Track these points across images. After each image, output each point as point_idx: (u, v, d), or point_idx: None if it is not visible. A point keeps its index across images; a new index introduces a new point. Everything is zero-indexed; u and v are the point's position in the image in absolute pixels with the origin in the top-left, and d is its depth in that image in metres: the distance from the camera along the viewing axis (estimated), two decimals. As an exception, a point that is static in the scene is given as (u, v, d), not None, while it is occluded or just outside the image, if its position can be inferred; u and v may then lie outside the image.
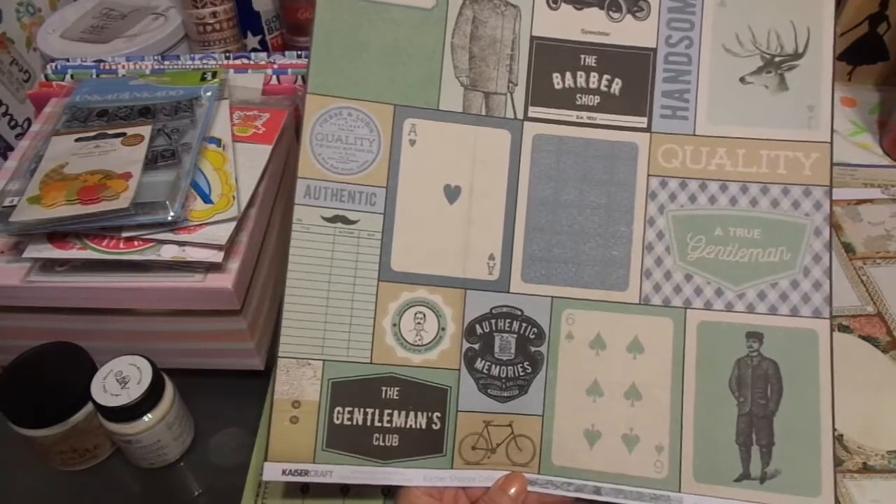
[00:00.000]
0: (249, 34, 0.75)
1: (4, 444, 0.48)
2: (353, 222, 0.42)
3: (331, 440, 0.40)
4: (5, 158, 0.57)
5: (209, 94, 0.54)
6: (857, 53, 0.76)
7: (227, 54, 0.63)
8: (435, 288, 0.42)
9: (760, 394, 0.40)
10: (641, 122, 0.43)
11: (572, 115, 0.43)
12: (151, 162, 0.48)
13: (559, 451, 0.41)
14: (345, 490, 0.47)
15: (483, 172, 0.42)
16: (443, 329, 0.42)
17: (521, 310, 0.42)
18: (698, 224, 0.42)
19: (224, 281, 0.45)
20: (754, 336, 0.40)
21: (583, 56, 0.43)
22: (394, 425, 0.41)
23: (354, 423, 0.40)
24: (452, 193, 0.42)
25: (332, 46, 0.42)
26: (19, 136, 0.69)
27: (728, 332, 0.41)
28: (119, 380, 0.44)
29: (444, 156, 0.42)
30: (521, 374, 0.41)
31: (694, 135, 0.43)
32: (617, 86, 0.43)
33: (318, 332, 0.41)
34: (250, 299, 0.49)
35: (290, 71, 0.61)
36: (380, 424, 0.41)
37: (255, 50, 0.76)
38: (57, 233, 0.45)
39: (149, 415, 0.44)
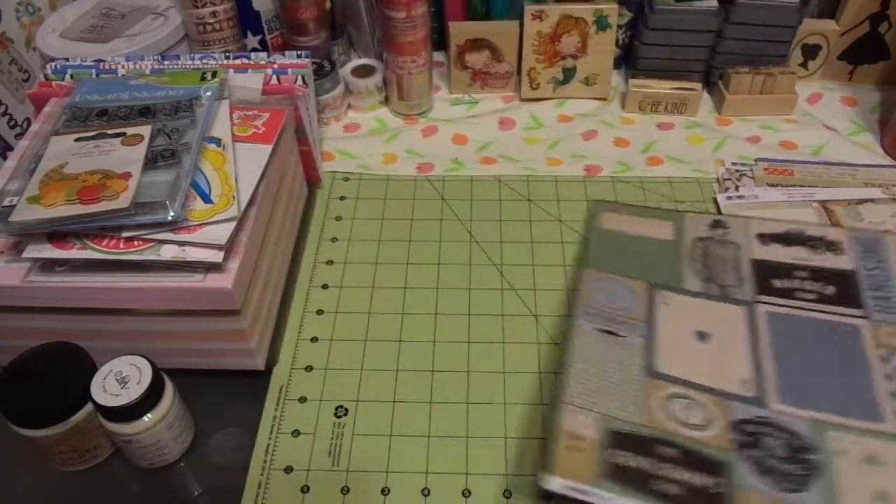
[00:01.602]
0: (249, 34, 0.75)
1: (4, 444, 0.48)
2: (621, 337, 0.51)
3: (611, 475, 0.43)
4: (5, 158, 0.57)
5: (209, 93, 0.54)
6: (857, 53, 0.76)
7: (227, 54, 0.63)
8: (698, 391, 0.48)
9: None
10: (858, 313, 0.52)
11: (795, 303, 0.53)
12: (151, 162, 0.48)
13: None
14: (345, 490, 0.47)
15: (727, 328, 0.52)
16: (710, 419, 0.46)
17: (784, 423, 0.46)
18: None
19: (224, 281, 0.45)
20: None
21: (795, 271, 0.55)
22: (673, 477, 0.43)
23: (633, 465, 0.44)
24: (702, 336, 0.52)
25: (603, 251, 0.58)
26: (19, 136, 0.68)
27: None
28: (119, 380, 0.44)
29: (692, 313, 0.53)
30: (799, 473, 0.43)
31: None
32: (830, 290, 0.54)
33: (596, 394, 0.47)
34: (250, 299, 0.49)
35: (290, 71, 0.61)
36: (659, 474, 0.43)
37: (255, 50, 0.76)
38: (57, 233, 0.45)
39: (149, 415, 0.44)
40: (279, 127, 0.54)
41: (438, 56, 0.82)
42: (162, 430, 0.45)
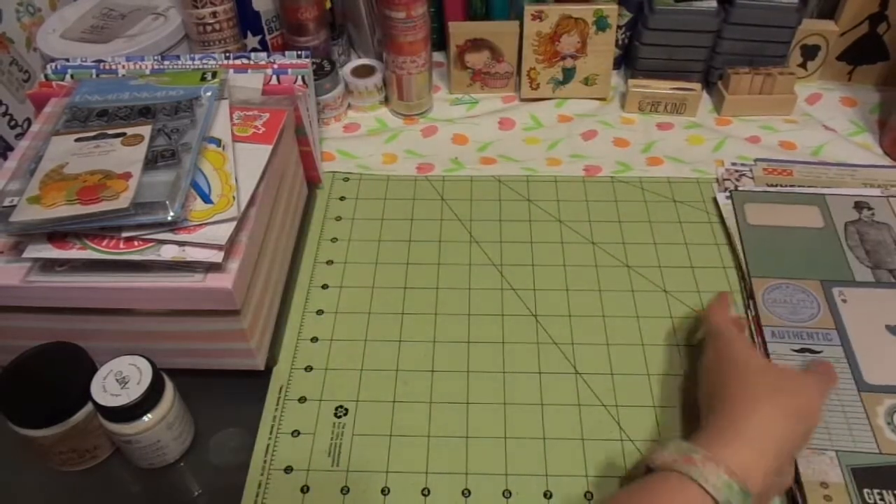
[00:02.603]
0: (249, 34, 0.75)
1: (4, 444, 0.48)
2: (818, 352, 0.51)
3: None
4: (5, 158, 0.57)
5: (209, 94, 0.54)
6: (857, 53, 0.76)
7: (227, 54, 0.63)
8: None
9: None
10: None
11: None
12: (151, 162, 0.48)
13: None
14: (345, 490, 0.47)
15: None
16: None
17: None
18: None
19: (224, 281, 0.45)
20: None
21: None
22: None
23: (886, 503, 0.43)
24: (895, 330, 0.52)
25: (760, 252, 0.58)
26: (19, 136, 0.68)
27: None
28: (119, 380, 0.44)
29: (876, 307, 0.53)
30: None
31: None
32: None
33: (824, 430, 0.47)
34: (250, 299, 0.49)
35: (290, 71, 0.61)
36: None
37: (255, 50, 0.76)
38: (57, 233, 0.45)
39: (149, 415, 0.44)
40: (279, 127, 0.54)
41: (438, 56, 0.82)
42: (162, 430, 0.45)
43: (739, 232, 0.59)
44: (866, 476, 0.44)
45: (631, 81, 0.75)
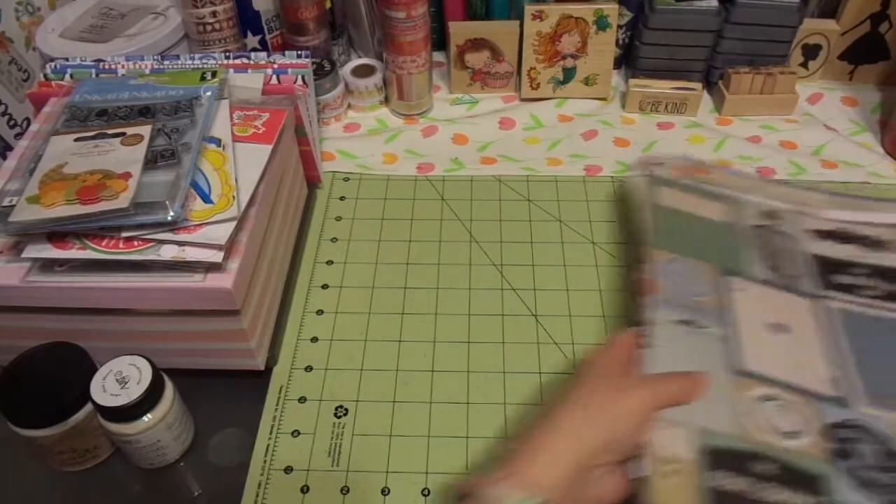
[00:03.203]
0: (249, 34, 0.75)
1: (4, 444, 0.48)
2: (702, 327, 0.48)
3: (711, 499, 0.40)
4: (4, 158, 0.57)
5: (209, 93, 0.54)
6: (858, 53, 0.76)
7: (227, 54, 0.63)
8: (787, 391, 0.45)
9: None
10: None
11: (861, 300, 0.51)
12: (151, 162, 0.48)
13: None
14: (345, 490, 0.47)
15: (800, 320, 0.49)
16: (803, 424, 0.43)
17: (874, 428, 0.43)
18: None
19: (224, 281, 0.45)
20: None
21: (852, 268, 0.53)
22: (774, 500, 0.40)
23: (734, 489, 0.40)
24: (778, 328, 0.49)
25: (666, 228, 0.55)
26: (18, 136, 0.68)
27: None
28: (119, 380, 0.44)
29: (764, 304, 0.50)
30: (893, 482, 0.41)
31: None
32: (893, 287, 0.51)
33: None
34: (250, 299, 0.49)
35: (290, 71, 0.61)
36: (759, 496, 0.40)
37: (255, 50, 0.76)
38: (56, 233, 0.45)
39: (149, 415, 0.44)
40: (279, 127, 0.54)
41: (438, 56, 0.82)
42: (162, 430, 0.45)
43: (651, 208, 0.57)
44: (720, 458, 0.41)
45: (631, 81, 0.75)
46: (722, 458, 0.41)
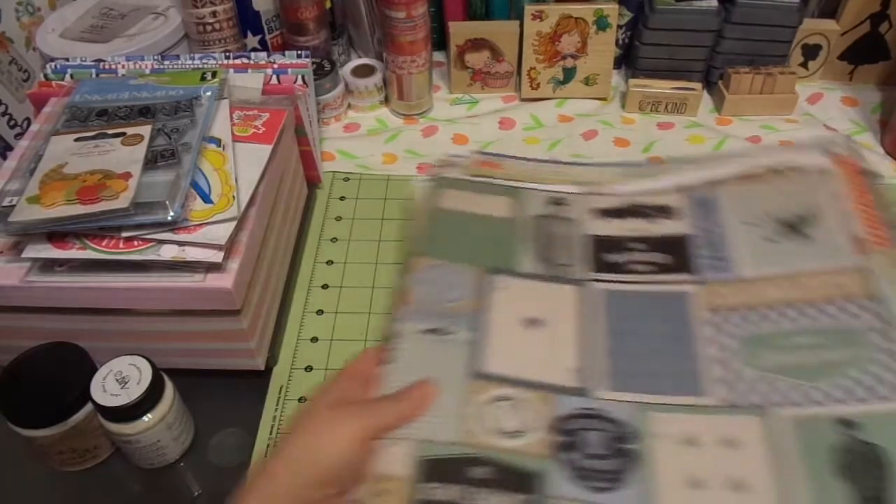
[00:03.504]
0: (249, 34, 0.75)
1: (4, 444, 0.48)
2: (448, 334, 0.47)
3: None
4: (4, 158, 0.57)
5: (209, 93, 0.54)
6: (858, 53, 0.76)
7: (227, 54, 0.63)
8: (523, 389, 0.44)
9: (870, 477, 0.39)
10: (690, 277, 0.50)
11: (628, 277, 0.51)
12: (151, 162, 0.48)
13: None
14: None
15: (558, 311, 0.49)
16: (531, 422, 0.43)
17: (606, 412, 0.43)
18: (762, 340, 0.46)
19: (224, 281, 0.45)
20: (846, 424, 0.41)
21: (630, 243, 0.53)
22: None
23: (443, 499, 0.39)
24: (533, 323, 0.48)
25: (439, 234, 0.54)
26: (19, 136, 0.68)
27: (818, 423, 0.42)
28: (119, 380, 0.44)
29: (524, 298, 0.49)
30: (615, 467, 0.41)
31: (739, 279, 0.49)
32: (664, 258, 0.51)
33: None
34: (250, 299, 0.49)
35: (290, 71, 0.61)
36: (469, 501, 0.39)
37: (255, 50, 0.76)
38: (56, 233, 0.45)
39: (149, 415, 0.44)
40: (279, 127, 0.54)
41: (438, 56, 0.82)
42: (162, 430, 0.45)
43: (427, 214, 0.55)
44: (433, 468, 0.40)
45: (631, 81, 0.75)
46: (437, 467, 0.40)
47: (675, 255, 0.51)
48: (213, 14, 0.70)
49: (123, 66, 0.60)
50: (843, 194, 0.52)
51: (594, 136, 0.73)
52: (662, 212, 0.54)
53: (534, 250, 0.53)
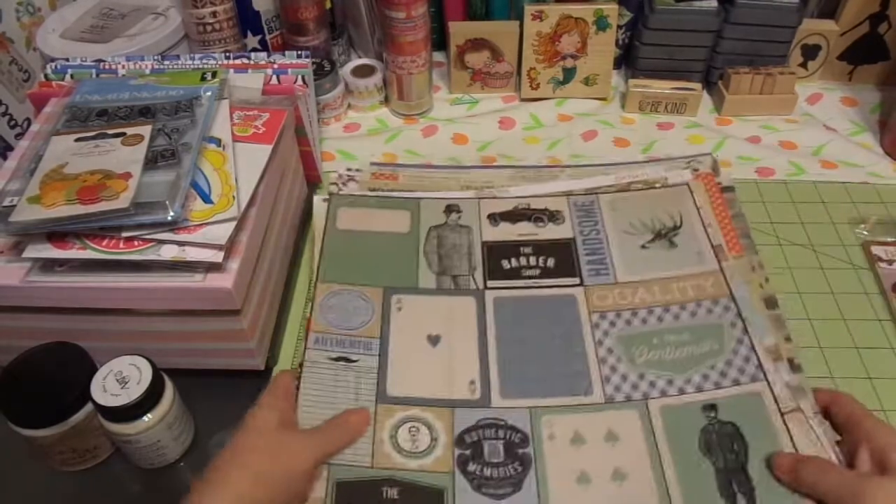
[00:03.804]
0: (249, 34, 0.75)
1: (4, 444, 0.48)
2: (354, 361, 0.50)
3: None
4: (5, 158, 0.57)
5: (209, 93, 0.54)
6: (857, 53, 0.76)
7: (227, 54, 0.63)
8: (426, 407, 0.48)
9: (729, 450, 0.45)
10: (575, 280, 0.55)
11: (521, 283, 0.55)
12: (151, 162, 0.48)
13: None
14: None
15: (457, 324, 0.52)
16: (435, 439, 0.46)
17: (504, 420, 0.47)
18: (638, 339, 0.51)
19: (224, 281, 0.45)
20: (709, 408, 0.47)
21: (521, 248, 0.57)
22: None
23: None
24: (434, 340, 0.51)
25: (337, 257, 0.56)
26: (19, 136, 0.68)
27: (686, 410, 0.47)
28: (119, 380, 0.44)
29: (425, 316, 0.53)
30: (513, 473, 0.45)
31: (616, 283, 0.54)
32: (551, 262, 0.56)
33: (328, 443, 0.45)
34: (250, 299, 0.49)
35: (290, 71, 0.61)
36: None
37: (255, 50, 0.76)
38: (56, 233, 0.45)
39: (149, 415, 0.44)
40: (279, 127, 0.54)
41: (438, 56, 0.82)
42: (162, 430, 0.45)
43: (324, 236, 0.57)
44: (349, 491, 0.44)
45: (631, 81, 0.75)
46: (351, 490, 0.44)
47: (561, 258, 0.56)
48: (213, 14, 0.70)
49: (123, 67, 0.60)
50: (704, 207, 0.59)
51: (594, 136, 0.73)
52: (549, 216, 0.59)
53: (432, 263, 0.56)
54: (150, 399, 0.44)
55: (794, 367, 0.49)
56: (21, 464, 0.48)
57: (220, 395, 0.52)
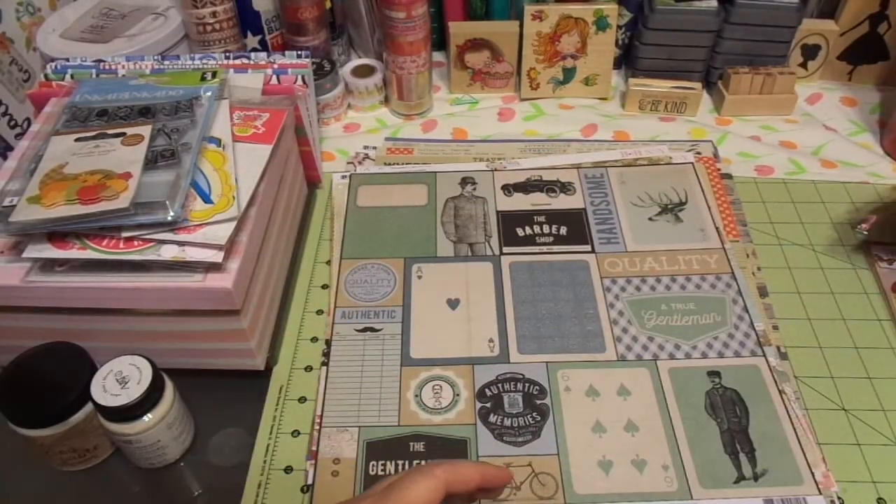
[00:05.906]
0: (249, 34, 0.75)
1: (4, 444, 0.48)
2: (378, 330, 0.54)
3: (367, 488, 0.45)
4: (5, 158, 0.57)
5: (209, 93, 0.54)
6: (857, 53, 0.76)
7: (227, 54, 0.63)
8: (448, 366, 0.52)
9: (732, 414, 0.49)
10: (587, 248, 0.59)
11: (535, 249, 0.59)
12: (151, 162, 0.48)
13: (579, 482, 0.46)
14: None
15: (475, 288, 0.57)
16: (457, 395, 0.50)
17: (522, 374, 0.51)
18: (647, 304, 0.55)
19: (224, 281, 0.45)
20: (714, 374, 0.51)
21: (535, 216, 0.62)
22: None
23: (387, 473, 0.46)
24: (453, 304, 0.56)
25: (359, 233, 0.61)
26: (19, 136, 0.68)
27: (693, 373, 0.51)
28: (119, 380, 0.44)
29: (444, 281, 0.57)
30: (532, 422, 0.48)
31: (626, 252, 0.59)
32: (564, 230, 0.61)
33: (354, 408, 0.50)
34: (250, 299, 0.49)
35: (290, 71, 0.61)
36: None
37: (255, 50, 0.76)
38: (56, 233, 0.45)
39: (149, 415, 0.44)
40: (279, 127, 0.54)
41: (438, 56, 0.82)
42: (162, 430, 0.45)
43: (346, 214, 0.62)
44: (378, 449, 0.47)
45: (631, 81, 0.75)
46: (381, 447, 0.47)
47: (573, 227, 0.61)
48: (213, 14, 0.70)
49: (123, 67, 0.60)
50: (706, 188, 0.63)
51: (594, 132, 0.73)
52: (561, 187, 0.64)
53: (449, 232, 0.60)
54: (150, 399, 0.44)
55: (782, 354, 0.52)
56: (21, 464, 0.49)
57: (220, 395, 0.52)
